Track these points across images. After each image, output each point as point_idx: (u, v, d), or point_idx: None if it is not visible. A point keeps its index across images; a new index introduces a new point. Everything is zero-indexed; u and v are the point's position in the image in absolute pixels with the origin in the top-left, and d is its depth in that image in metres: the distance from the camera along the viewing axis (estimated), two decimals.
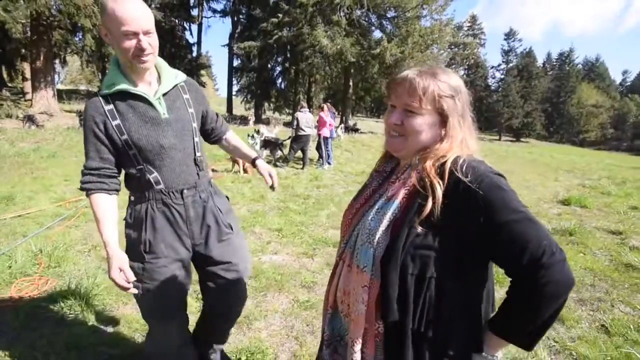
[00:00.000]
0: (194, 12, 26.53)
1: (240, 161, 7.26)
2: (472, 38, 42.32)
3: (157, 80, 1.30)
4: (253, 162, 1.57)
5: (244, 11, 25.39)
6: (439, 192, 0.74)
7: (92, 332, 2.10)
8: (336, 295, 0.91)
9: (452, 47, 25.03)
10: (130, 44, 1.13)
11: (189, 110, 1.34)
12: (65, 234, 3.54)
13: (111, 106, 1.22)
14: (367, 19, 21.50)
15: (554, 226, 4.63)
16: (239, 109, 30.70)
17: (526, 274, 0.70)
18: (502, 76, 51.01)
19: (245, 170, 7.30)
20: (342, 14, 19.28)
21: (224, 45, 27.20)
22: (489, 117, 47.21)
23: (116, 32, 1.13)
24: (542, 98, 49.82)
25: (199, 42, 27.36)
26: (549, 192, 7.41)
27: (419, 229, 0.75)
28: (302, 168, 8.40)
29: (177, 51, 25.55)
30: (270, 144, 9.04)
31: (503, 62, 51.94)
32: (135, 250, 1.29)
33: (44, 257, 2.95)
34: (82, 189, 1.25)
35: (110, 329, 2.16)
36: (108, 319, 2.27)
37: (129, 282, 1.18)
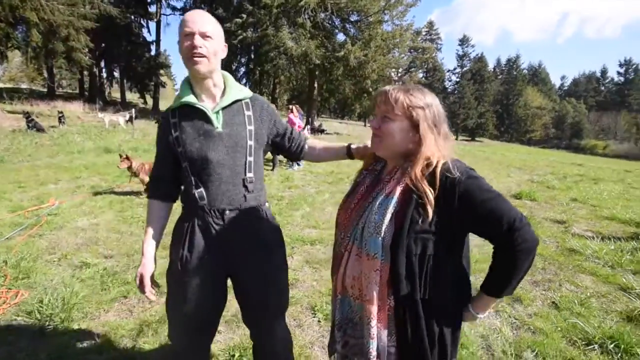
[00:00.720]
0: (152, 9, 25.36)
1: None
2: (430, 43, 44.47)
3: (222, 94, 1.31)
4: (349, 151, 1.44)
5: (205, 10, 24.70)
6: (431, 196, 0.92)
7: (76, 342, 2.05)
8: (344, 282, 1.05)
9: (412, 51, 26.14)
10: (187, 44, 1.18)
11: (247, 127, 1.30)
12: (29, 244, 3.33)
13: (176, 119, 1.27)
14: (330, 22, 21.86)
15: None
16: None
17: (506, 238, 0.90)
18: (458, 79, 54.09)
19: None
20: (306, 16, 19.44)
21: None
22: (446, 117, 49.63)
23: (180, 37, 1.20)
24: (493, 100, 53.55)
25: (157, 41, 26.19)
26: (503, 187, 8.07)
27: (418, 218, 0.93)
28: (272, 169, 8.41)
29: (135, 49, 24.28)
30: None
31: (458, 66, 55.10)
32: (173, 264, 1.31)
33: (9, 269, 2.78)
34: (144, 191, 1.36)
35: (95, 337, 2.11)
36: (92, 327, 2.21)
37: (149, 290, 1.29)
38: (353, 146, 1.43)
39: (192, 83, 1.29)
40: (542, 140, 57.55)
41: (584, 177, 10.89)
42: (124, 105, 23.82)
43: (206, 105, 1.27)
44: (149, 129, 15.86)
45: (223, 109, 1.28)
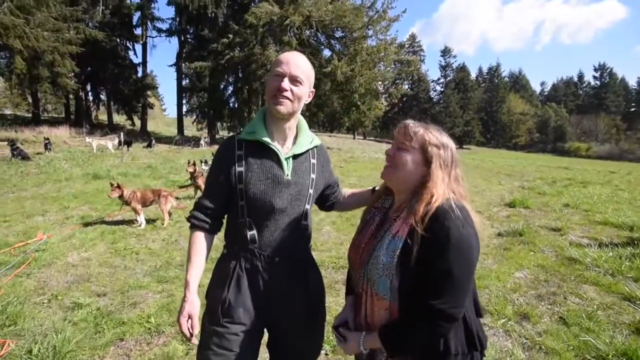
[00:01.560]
0: (138, 32, 25.48)
1: (203, 187, 7.02)
2: (413, 55, 45.58)
3: (294, 141, 1.28)
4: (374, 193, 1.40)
5: (191, 31, 24.93)
6: (419, 236, 0.93)
7: None
8: (367, 320, 1.08)
9: (397, 63, 26.71)
10: (275, 83, 1.17)
11: (310, 175, 1.28)
12: (16, 285, 3.16)
13: (242, 152, 1.22)
14: (316, 39, 22.27)
15: (506, 229, 5.10)
16: (189, 129, 29.68)
17: (425, 307, 0.92)
18: (442, 89, 55.36)
19: None
20: (292, 34, 19.78)
21: (171, 65, 26.33)
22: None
23: (271, 73, 1.20)
24: (477, 108, 54.83)
25: (144, 62, 26.25)
26: (496, 195, 8.15)
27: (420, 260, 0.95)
28: None
29: (121, 71, 24.24)
30: None
31: (442, 76, 56.55)
32: (213, 307, 1.22)
33: None
34: (188, 219, 1.28)
35: None
36: None
37: (192, 332, 1.15)
38: (378, 188, 1.40)
39: (267, 119, 1.26)
40: (527, 145, 58.89)
41: (573, 181, 11.11)
42: (112, 127, 23.58)
43: (277, 146, 1.22)
44: (138, 151, 15.68)
45: (295, 156, 1.25)
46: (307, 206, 1.28)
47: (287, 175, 1.21)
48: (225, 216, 1.31)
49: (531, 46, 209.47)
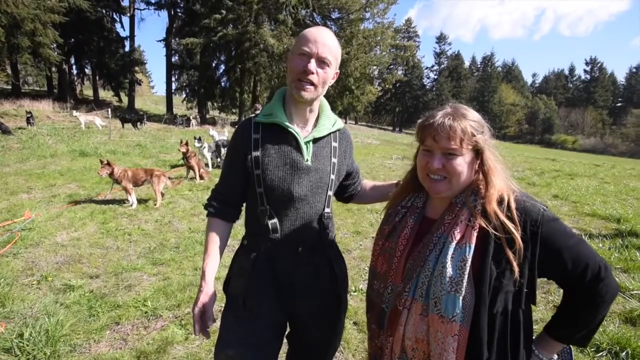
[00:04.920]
0: (125, 3, 24.26)
1: (196, 167, 6.87)
2: (407, 40, 44.99)
3: (314, 124, 1.19)
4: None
5: (182, 5, 23.87)
6: (519, 239, 0.80)
7: None
8: (403, 344, 0.90)
9: (393, 49, 26.34)
10: (300, 63, 1.06)
11: (332, 159, 1.19)
12: (2, 265, 3.04)
13: (259, 135, 1.14)
14: (312, 19, 21.65)
15: None
16: (179, 108, 28.89)
17: (590, 287, 0.83)
18: (436, 77, 55.15)
19: (201, 177, 6.93)
20: (287, 13, 19.16)
21: (159, 41, 25.25)
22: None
23: (294, 50, 1.08)
24: (469, 97, 54.99)
25: (131, 36, 25.06)
26: None
27: (498, 269, 0.81)
28: None
29: (107, 45, 23.13)
30: (223, 148, 8.68)
31: (436, 63, 56.21)
32: (234, 299, 1.18)
33: None
34: (205, 207, 1.24)
35: None
36: None
37: (206, 325, 1.08)
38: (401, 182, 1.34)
39: (287, 101, 1.17)
40: (516, 135, 59.73)
41: (560, 173, 11.31)
42: (97, 103, 22.72)
43: (297, 129, 1.14)
44: (126, 129, 15.19)
45: (314, 140, 1.16)
46: (330, 193, 1.20)
47: (307, 160, 1.13)
48: (244, 205, 1.24)
49: (529, 35, 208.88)
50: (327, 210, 1.20)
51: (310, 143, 1.15)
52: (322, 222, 1.19)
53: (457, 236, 0.85)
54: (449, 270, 0.82)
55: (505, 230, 0.82)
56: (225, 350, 1.13)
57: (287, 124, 1.12)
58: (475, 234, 0.84)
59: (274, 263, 1.15)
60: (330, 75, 1.11)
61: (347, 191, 1.38)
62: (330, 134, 1.20)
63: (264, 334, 1.14)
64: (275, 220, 1.13)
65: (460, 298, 0.81)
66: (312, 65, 1.05)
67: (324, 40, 1.06)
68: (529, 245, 0.82)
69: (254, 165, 1.12)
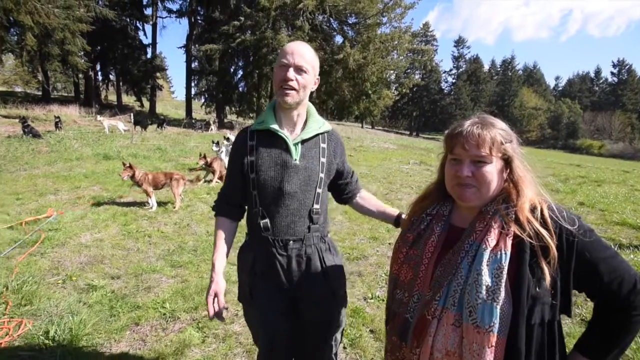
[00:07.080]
0: (148, 12, 25.11)
1: (217, 171, 6.99)
2: (425, 44, 44.59)
3: (303, 127, 1.32)
4: (397, 220, 1.40)
5: (202, 12, 24.51)
6: (554, 248, 0.79)
7: None
8: (432, 355, 0.86)
9: (410, 53, 26.14)
10: (280, 73, 1.22)
11: (320, 159, 1.31)
12: (30, 264, 3.16)
13: (254, 142, 1.28)
14: (328, 25, 21.77)
15: None
16: (197, 112, 29.56)
17: (625, 301, 0.80)
18: (454, 80, 54.33)
19: (220, 178, 7.04)
20: (304, 19, 19.34)
21: (180, 47, 26.07)
22: (442, 119, 49.99)
23: (277, 64, 1.24)
24: (489, 101, 53.84)
25: (153, 43, 25.88)
26: None
27: (534, 278, 0.79)
28: None
29: (131, 52, 24.01)
30: None
31: (454, 67, 55.40)
32: (242, 291, 1.36)
33: (10, 295, 2.62)
34: (213, 207, 1.41)
35: None
36: None
37: (219, 310, 1.24)
38: (403, 216, 1.40)
39: (276, 109, 1.31)
40: (538, 140, 57.88)
41: (586, 179, 10.86)
42: (121, 108, 23.54)
43: (286, 133, 1.28)
44: (147, 133, 15.64)
45: (302, 141, 1.29)
46: (319, 190, 1.30)
47: (295, 159, 1.26)
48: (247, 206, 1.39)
49: (555, 37, 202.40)
50: (316, 206, 1.30)
51: (299, 144, 1.28)
52: (312, 217, 1.29)
53: (492, 243, 0.82)
54: (485, 278, 0.79)
55: (539, 239, 0.79)
56: (252, 330, 1.40)
57: (277, 128, 1.26)
58: (509, 241, 0.81)
59: (269, 259, 1.28)
60: (309, 80, 1.25)
61: (343, 193, 1.48)
62: (318, 135, 1.32)
63: (271, 317, 1.30)
64: (267, 220, 1.27)
65: (498, 307, 0.78)
66: (291, 73, 1.20)
67: (300, 52, 1.22)
68: (564, 255, 0.80)
69: (249, 169, 1.26)
